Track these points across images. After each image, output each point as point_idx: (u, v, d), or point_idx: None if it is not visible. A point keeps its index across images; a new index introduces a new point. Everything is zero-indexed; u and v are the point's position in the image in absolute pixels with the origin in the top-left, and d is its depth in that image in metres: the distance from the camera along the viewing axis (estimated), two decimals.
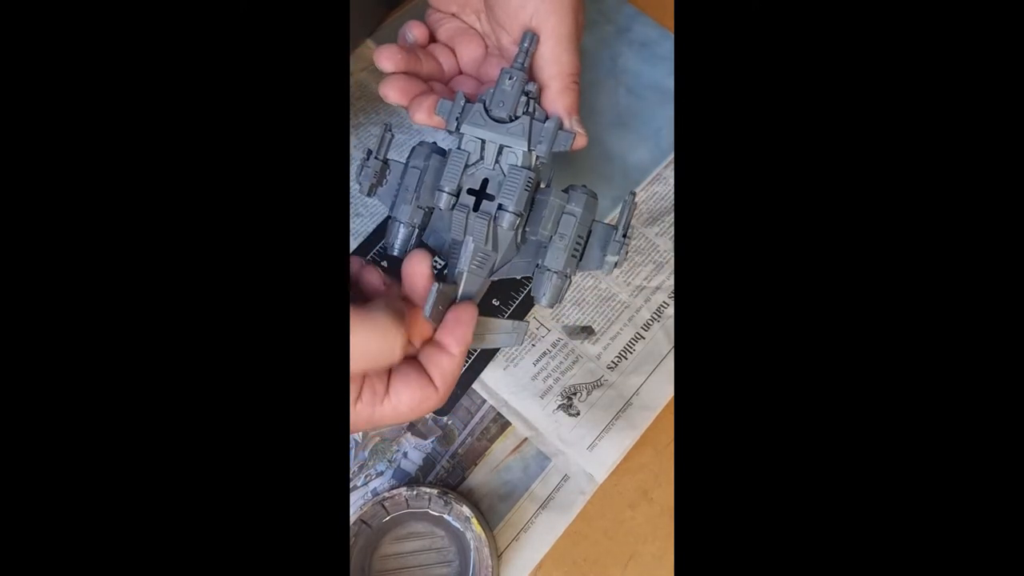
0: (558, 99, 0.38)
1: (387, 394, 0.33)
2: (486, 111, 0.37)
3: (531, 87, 0.37)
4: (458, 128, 0.37)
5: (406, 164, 0.39)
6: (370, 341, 0.31)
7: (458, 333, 0.35)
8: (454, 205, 0.37)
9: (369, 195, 0.39)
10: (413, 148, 0.39)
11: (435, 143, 0.39)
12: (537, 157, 0.37)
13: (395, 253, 0.39)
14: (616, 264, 0.38)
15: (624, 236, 0.38)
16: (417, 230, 0.39)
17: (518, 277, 0.40)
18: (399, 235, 0.39)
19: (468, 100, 0.38)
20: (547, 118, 0.38)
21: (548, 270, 0.38)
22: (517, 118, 0.37)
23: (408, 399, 0.34)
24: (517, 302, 0.49)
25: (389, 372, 0.34)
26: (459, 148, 0.37)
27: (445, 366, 0.35)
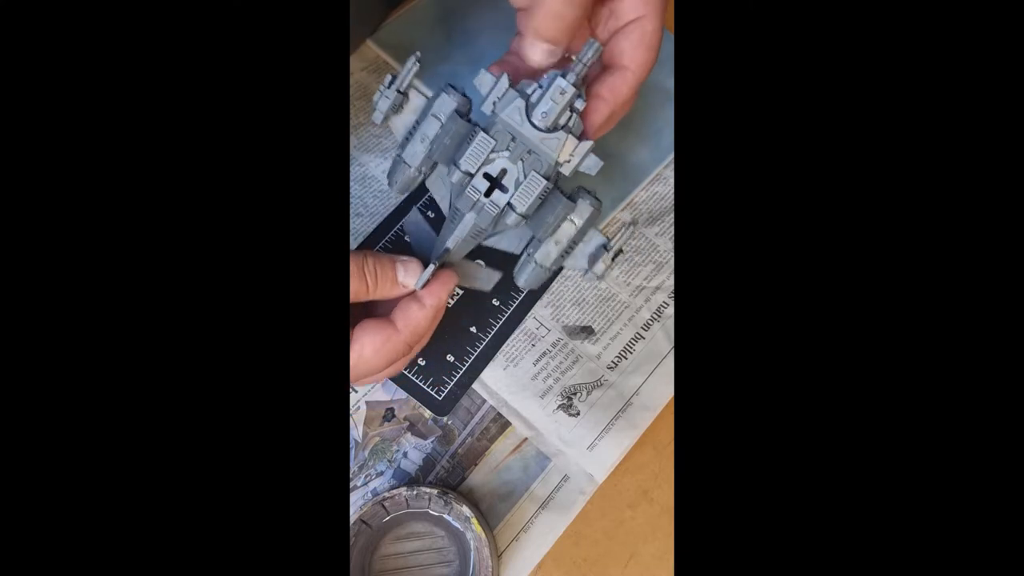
0: (594, 114, 0.38)
1: (351, 342, 0.36)
2: (527, 109, 0.36)
3: (579, 104, 0.36)
4: (494, 113, 0.36)
5: (428, 105, 0.38)
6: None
7: (434, 289, 0.38)
8: (466, 185, 0.37)
9: (382, 122, 0.38)
10: (440, 93, 0.37)
11: (463, 92, 0.38)
12: (559, 171, 0.37)
13: (394, 190, 0.39)
14: (599, 277, 0.39)
15: (613, 259, 0.39)
16: (422, 176, 0.38)
17: (504, 250, 0.41)
18: (403, 176, 0.38)
19: (512, 84, 0.36)
20: (583, 133, 0.37)
21: (535, 262, 0.39)
22: (556, 129, 0.36)
23: (369, 342, 0.36)
24: (517, 302, 0.49)
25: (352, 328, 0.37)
26: (487, 133, 0.36)
27: (413, 313, 0.37)
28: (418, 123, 0.38)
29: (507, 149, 0.36)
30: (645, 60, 0.38)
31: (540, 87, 0.36)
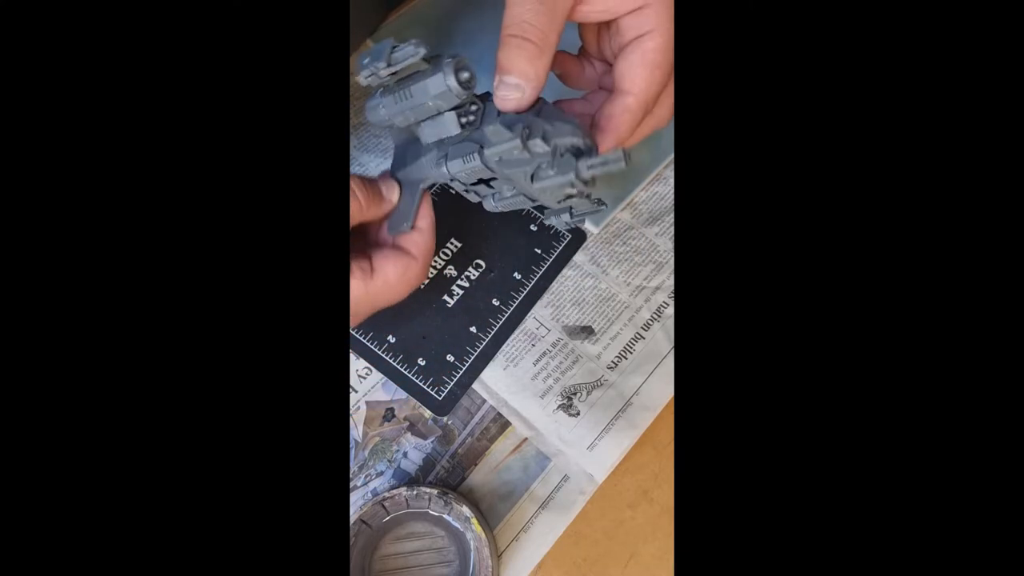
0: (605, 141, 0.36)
1: (373, 270, 0.38)
2: (532, 176, 0.33)
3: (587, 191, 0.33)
4: (499, 161, 0.34)
5: (427, 74, 0.34)
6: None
7: (424, 212, 0.40)
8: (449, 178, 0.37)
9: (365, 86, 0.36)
10: (438, 70, 0.33)
11: (464, 79, 0.33)
12: None
13: (369, 119, 0.38)
14: (543, 216, 0.38)
15: (569, 215, 0.38)
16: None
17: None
18: (376, 117, 0.37)
19: (524, 140, 0.32)
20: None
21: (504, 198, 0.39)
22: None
23: (392, 269, 0.39)
24: (517, 302, 0.49)
25: (371, 257, 0.39)
26: (491, 171, 0.34)
27: (418, 239, 0.40)
28: (408, 85, 0.34)
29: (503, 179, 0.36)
30: (647, 82, 0.35)
31: (551, 162, 0.33)
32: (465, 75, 0.33)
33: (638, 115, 0.35)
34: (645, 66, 0.35)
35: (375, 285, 0.38)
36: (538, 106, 0.34)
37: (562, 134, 0.32)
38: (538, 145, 0.32)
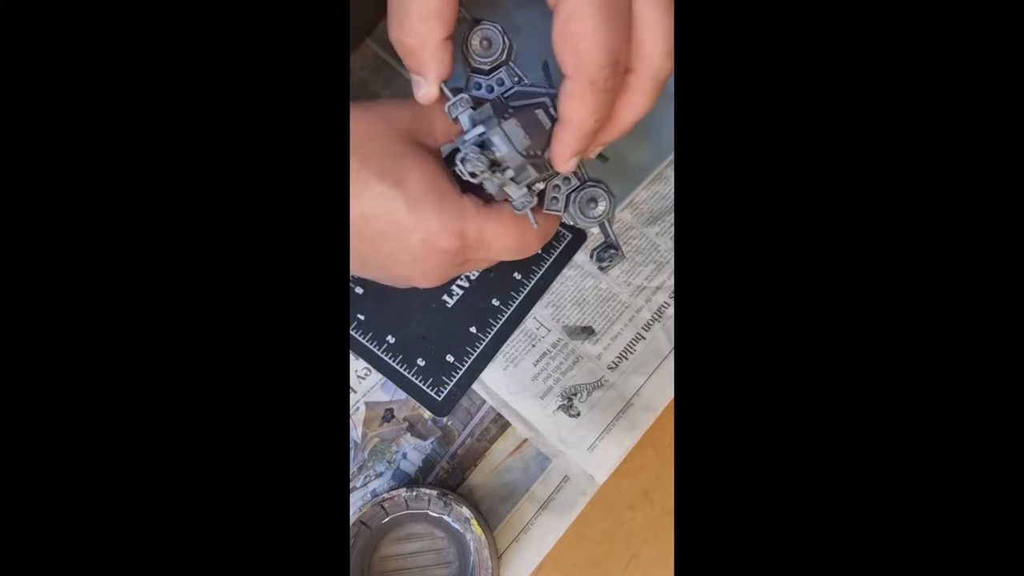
0: (557, 151, 0.34)
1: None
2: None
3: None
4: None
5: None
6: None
7: None
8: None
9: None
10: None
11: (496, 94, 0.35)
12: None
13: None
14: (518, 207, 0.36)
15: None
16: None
17: None
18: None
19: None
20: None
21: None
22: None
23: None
24: (517, 302, 0.48)
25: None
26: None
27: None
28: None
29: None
30: (576, 62, 0.31)
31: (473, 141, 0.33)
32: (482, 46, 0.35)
33: (587, 98, 0.32)
34: (567, 45, 0.31)
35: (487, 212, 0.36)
36: (539, 100, 0.35)
37: (509, 137, 0.33)
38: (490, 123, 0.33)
